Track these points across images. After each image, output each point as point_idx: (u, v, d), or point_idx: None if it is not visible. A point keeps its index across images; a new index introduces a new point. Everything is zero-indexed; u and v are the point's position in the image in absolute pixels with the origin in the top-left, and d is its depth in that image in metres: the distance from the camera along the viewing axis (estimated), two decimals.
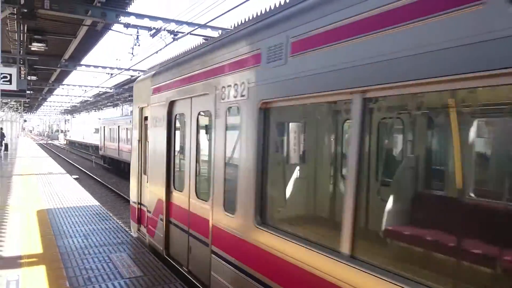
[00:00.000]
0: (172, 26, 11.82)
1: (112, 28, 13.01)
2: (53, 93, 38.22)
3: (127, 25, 11.45)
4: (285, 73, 3.54)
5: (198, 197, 5.37)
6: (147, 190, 7.39)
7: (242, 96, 4.19)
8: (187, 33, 12.00)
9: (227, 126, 4.53)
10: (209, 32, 12.47)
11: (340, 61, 2.93)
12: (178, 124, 6.36)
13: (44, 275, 5.45)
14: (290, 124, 4.98)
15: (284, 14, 3.75)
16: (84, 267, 5.80)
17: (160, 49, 12.85)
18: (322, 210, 4.76)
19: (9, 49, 15.99)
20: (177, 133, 6.36)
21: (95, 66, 20.83)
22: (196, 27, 11.96)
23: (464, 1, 2.16)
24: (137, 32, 12.10)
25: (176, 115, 6.27)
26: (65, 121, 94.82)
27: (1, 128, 32.90)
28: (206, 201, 5.02)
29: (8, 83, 13.18)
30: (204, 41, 6.22)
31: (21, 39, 13.82)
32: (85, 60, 20.10)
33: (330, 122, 4.59)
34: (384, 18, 2.61)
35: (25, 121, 73.28)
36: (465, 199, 3.66)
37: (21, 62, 16.77)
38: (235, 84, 4.34)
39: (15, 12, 10.73)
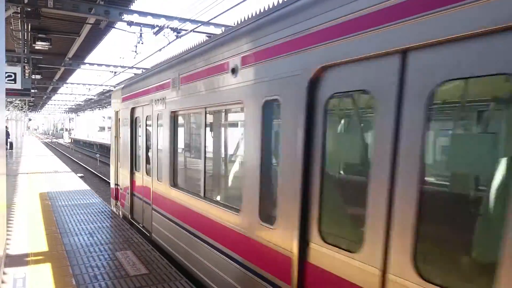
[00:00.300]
0: (175, 24, 11.81)
1: (115, 26, 13.02)
2: (58, 92, 38.36)
3: (130, 23, 11.44)
4: (179, 94, 6.02)
5: (147, 174, 7.75)
6: (120, 174, 9.90)
7: (163, 107, 6.70)
8: (190, 31, 11.98)
9: (158, 125, 7.08)
10: (212, 29, 12.45)
11: (197, 90, 5.38)
12: (137, 124, 8.62)
13: (50, 273, 5.48)
14: (186, 124, 7.02)
15: (177, 61, 6.19)
16: (89, 264, 5.83)
17: (164, 47, 12.83)
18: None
19: (13, 48, 16.05)
20: (137, 130, 8.65)
21: (98, 65, 20.87)
22: (199, 24, 11.94)
23: None
24: (140, 30, 12.10)
25: (135, 117, 8.65)
26: (69, 119, 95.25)
27: (6, 127, 33.07)
28: (149, 175, 7.66)
29: (13, 82, 13.26)
30: (196, 43, 6.86)
31: (25, 38, 13.86)
32: (89, 59, 20.15)
33: (199, 124, 6.21)
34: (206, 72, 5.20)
35: (30, 120, 73.64)
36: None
37: (26, 61, 16.84)
38: (161, 99, 6.82)
39: (19, 11, 10.75)
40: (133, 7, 11.50)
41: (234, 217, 4.46)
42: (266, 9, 4.40)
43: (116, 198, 10.39)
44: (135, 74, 11.96)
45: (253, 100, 4.07)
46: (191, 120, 6.89)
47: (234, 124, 5.77)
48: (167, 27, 11.74)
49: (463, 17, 2.17)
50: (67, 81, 29.37)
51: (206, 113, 5.34)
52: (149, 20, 11.60)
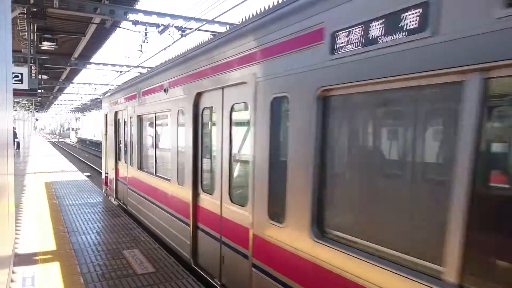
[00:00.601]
0: (180, 22, 11.81)
1: (120, 26, 13.06)
2: (64, 92, 38.58)
3: (135, 22, 11.46)
4: (141, 103, 8.54)
5: (125, 162, 10.23)
6: (108, 164, 12.54)
7: (133, 112, 9.25)
8: (195, 29, 11.99)
9: (131, 125, 9.58)
10: (216, 28, 12.44)
11: (149, 101, 7.98)
12: (119, 124, 10.96)
13: (59, 271, 5.52)
14: (151, 125, 8.26)
15: (139, 79, 8.87)
16: (97, 263, 5.87)
17: (169, 46, 12.85)
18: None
19: (20, 48, 16.15)
20: (119, 129, 10.97)
21: (104, 64, 20.96)
22: (204, 22, 11.94)
23: None
24: (145, 29, 12.12)
25: (118, 119, 10.95)
26: (76, 119, 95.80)
27: (14, 128, 33.33)
28: (126, 163, 10.10)
29: (20, 82, 13.35)
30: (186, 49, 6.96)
31: (31, 38, 13.94)
32: (94, 58, 20.24)
33: (151, 124, 8.29)
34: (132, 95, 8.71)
35: (37, 119, 74.19)
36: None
37: (32, 61, 16.95)
38: (132, 106, 9.33)
39: (25, 12, 10.81)
40: (138, 6, 11.52)
41: (169, 185, 6.81)
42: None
43: (106, 184, 13.10)
44: (140, 73, 12.03)
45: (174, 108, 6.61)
46: (148, 122, 8.59)
47: (163, 125, 7.75)
48: (172, 26, 11.75)
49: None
50: (73, 81, 29.52)
51: (155, 117, 7.86)
52: (154, 19, 11.62)
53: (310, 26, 3.32)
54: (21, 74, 13.82)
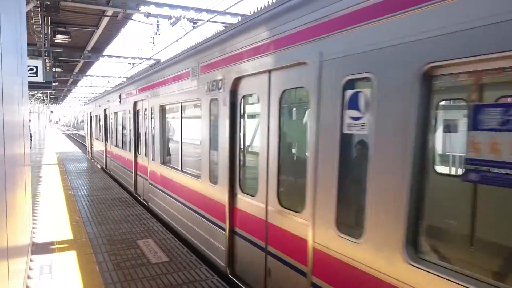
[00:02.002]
0: (192, 14, 11.80)
1: (132, 18, 13.11)
2: (78, 84, 38.99)
3: (147, 15, 11.50)
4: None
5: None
6: (94, 146, 20.52)
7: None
8: (207, 21, 11.96)
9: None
10: (228, 19, 12.40)
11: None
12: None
13: (75, 260, 5.65)
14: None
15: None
16: (113, 252, 5.98)
17: (180, 38, 12.87)
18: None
19: (34, 42, 16.34)
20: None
21: (117, 57, 21.10)
22: (215, 14, 11.91)
23: None
24: (157, 21, 12.15)
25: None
26: None
27: (30, 120, 33.89)
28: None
29: (35, 75, 13.54)
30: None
31: (45, 31, 14.08)
32: (107, 51, 20.39)
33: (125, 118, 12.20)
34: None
35: (51, 112, 75.25)
36: None
37: (46, 55, 17.14)
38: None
39: (39, 5, 10.93)
40: None
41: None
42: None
43: (92, 156, 22.08)
44: (151, 65, 12.27)
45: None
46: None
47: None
48: (184, 18, 11.75)
49: None
50: (87, 74, 29.82)
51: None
52: (165, 11, 11.63)
53: None
54: (36, 67, 14.01)
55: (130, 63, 21.90)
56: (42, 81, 14.15)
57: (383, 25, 2.70)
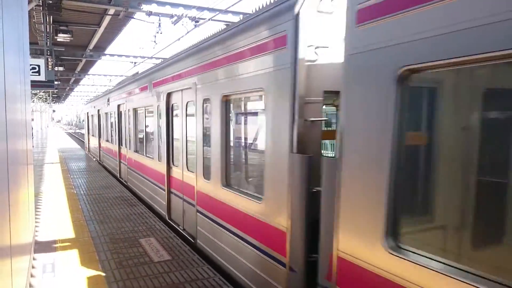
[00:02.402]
0: (193, 13, 11.81)
1: (134, 17, 13.12)
2: (80, 83, 39.07)
3: (149, 13, 11.51)
4: (105, 103, 16.04)
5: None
6: (91, 141, 22.84)
7: (102, 108, 16.66)
8: (208, 19, 11.96)
9: (101, 119, 17.46)
10: (230, 17, 12.40)
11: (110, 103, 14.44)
12: (101, 117, 16.73)
13: (78, 259, 5.67)
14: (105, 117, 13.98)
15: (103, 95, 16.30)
16: (115, 251, 5.99)
17: (182, 36, 12.87)
18: None
19: (36, 40, 16.39)
20: (97, 121, 17.60)
21: (119, 55, 21.14)
22: (217, 12, 11.91)
23: None
24: (159, 19, 12.16)
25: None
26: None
27: (32, 119, 33.95)
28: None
29: (37, 74, 13.59)
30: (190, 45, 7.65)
31: (47, 30, 14.12)
32: (109, 50, 20.44)
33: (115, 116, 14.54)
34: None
35: (54, 111, 75.37)
36: None
37: (48, 53, 17.19)
38: (105, 102, 15.48)
39: (41, 4, 10.95)
40: None
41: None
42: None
43: (88, 150, 24.29)
44: (154, 64, 12.37)
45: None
46: (106, 116, 14.11)
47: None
48: (185, 16, 11.75)
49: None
50: (89, 73, 29.88)
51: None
52: (167, 9, 11.64)
53: None
54: (38, 66, 14.06)
55: (132, 62, 21.94)
56: (44, 80, 14.21)
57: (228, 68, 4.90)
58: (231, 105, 5.44)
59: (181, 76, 6.87)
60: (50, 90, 29.11)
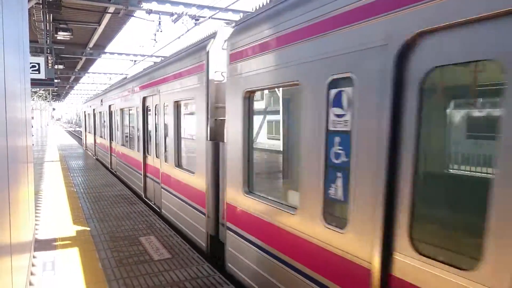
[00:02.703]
0: (194, 11, 11.79)
1: (134, 15, 13.09)
2: (80, 81, 39.01)
3: (149, 11, 11.49)
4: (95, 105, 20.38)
5: (101, 137, 16.66)
6: (87, 138, 24.60)
7: (96, 107, 19.61)
8: (208, 18, 11.95)
9: (96, 117, 20.07)
10: (230, 16, 12.38)
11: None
12: (96, 116, 19.87)
13: (78, 257, 5.67)
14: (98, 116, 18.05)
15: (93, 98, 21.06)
16: (115, 249, 6.00)
17: (182, 34, 12.85)
18: None
19: (36, 39, 16.35)
20: (93, 119, 20.83)
21: (119, 54, 21.10)
22: (217, 11, 11.89)
23: None
24: (159, 18, 12.14)
25: (95, 112, 18.16)
26: None
27: (32, 117, 33.92)
28: (91, 133, 20.90)
29: (37, 72, 13.57)
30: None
31: (47, 28, 14.09)
32: (109, 48, 20.40)
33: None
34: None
35: (53, 109, 75.28)
36: None
37: (48, 51, 17.16)
38: (99, 102, 18.36)
39: (41, 2, 10.93)
40: None
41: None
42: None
43: (85, 147, 25.67)
44: (154, 62, 12.42)
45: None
46: (100, 115, 17.13)
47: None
48: (186, 15, 11.73)
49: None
50: (89, 71, 29.84)
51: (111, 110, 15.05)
52: (167, 7, 11.62)
53: None
54: (38, 64, 14.03)
55: (132, 60, 21.91)
56: (44, 78, 14.19)
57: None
58: (123, 111, 11.33)
59: (151, 85, 9.14)
60: (50, 88, 29.09)
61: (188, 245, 6.27)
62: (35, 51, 18.21)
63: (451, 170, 3.05)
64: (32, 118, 33.23)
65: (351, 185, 3.02)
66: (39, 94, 40.90)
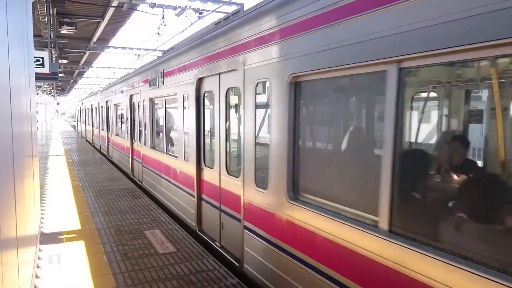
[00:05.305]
0: (197, 4, 11.75)
1: (138, 9, 13.06)
2: (84, 76, 39.08)
3: (152, 5, 11.47)
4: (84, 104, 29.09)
5: (88, 125, 26.42)
6: (87, 130, 28.99)
7: (92, 103, 24.24)
8: (212, 11, 11.90)
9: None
10: (233, 9, 12.31)
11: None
12: (92, 110, 24.02)
13: (83, 250, 5.71)
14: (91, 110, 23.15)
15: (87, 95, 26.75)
16: (120, 242, 6.03)
17: (186, 28, 12.82)
18: None
19: (40, 33, 16.36)
20: (91, 113, 24.63)
21: (122, 48, 21.07)
22: (221, 4, 11.83)
23: None
24: (163, 11, 12.11)
25: (92, 108, 22.37)
26: None
27: (37, 112, 34.05)
28: (89, 125, 26.82)
29: (41, 66, 13.58)
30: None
31: (51, 22, 14.09)
32: (112, 42, 20.38)
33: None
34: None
35: (58, 103, 75.49)
36: None
37: (52, 46, 17.16)
38: (97, 98, 21.34)
39: None
40: None
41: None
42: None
43: (86, 138, 28.70)
44: (158, 56, 12.43)
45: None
46: (97, 110, 19.94)
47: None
48: (189, 8, 11.69)
49: None
50: (92, 65, 29.87)
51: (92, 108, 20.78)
52: (171, 1, 11.64)
53: None
54: (42, 58, 14.03)
55: (136, 54, 21.88)
56: (48, 72, 14.19)
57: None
58: (117, 106, 14.81)
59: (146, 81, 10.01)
60: (54, 83, 29.13)
61: (192, 238, 6.29)
62: (39, 46, 18.21)
63: None
64: (37, 112, 33.39)
65: (188, 144, 7.24)
66: (44, 89, 41.01)
